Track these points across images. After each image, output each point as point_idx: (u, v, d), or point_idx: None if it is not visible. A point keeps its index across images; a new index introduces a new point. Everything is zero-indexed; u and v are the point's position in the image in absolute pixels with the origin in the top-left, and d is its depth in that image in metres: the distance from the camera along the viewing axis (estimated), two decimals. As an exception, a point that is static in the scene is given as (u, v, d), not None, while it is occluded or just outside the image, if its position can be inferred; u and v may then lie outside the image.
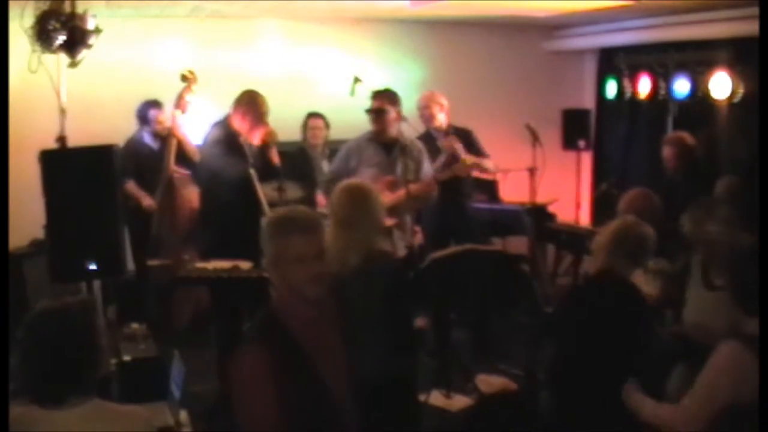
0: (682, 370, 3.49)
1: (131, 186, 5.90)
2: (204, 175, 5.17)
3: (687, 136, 5.57)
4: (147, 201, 5.88)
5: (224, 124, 5.07)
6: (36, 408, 2.21)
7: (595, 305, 3.28)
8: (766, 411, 2.72)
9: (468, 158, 5.47)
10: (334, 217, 3.38)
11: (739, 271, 2.72)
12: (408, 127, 5.30)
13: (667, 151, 5.52)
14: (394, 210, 4.80)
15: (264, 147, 5.05)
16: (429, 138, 5.67)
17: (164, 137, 5.89)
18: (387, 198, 4.63)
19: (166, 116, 5.94)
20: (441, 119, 5.74)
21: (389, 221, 4.53)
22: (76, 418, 2.20)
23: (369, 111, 5.11)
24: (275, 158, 5.05)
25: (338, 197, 3.40)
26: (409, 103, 5.56)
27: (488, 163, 5.77)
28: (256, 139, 4.88)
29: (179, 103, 5.52)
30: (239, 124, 4.98)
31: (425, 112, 5.76)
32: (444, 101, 5.76)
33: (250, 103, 5.00)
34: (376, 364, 2.98)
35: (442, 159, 5.55)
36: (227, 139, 4.95)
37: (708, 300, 3.44)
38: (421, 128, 5.76)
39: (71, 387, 2.23)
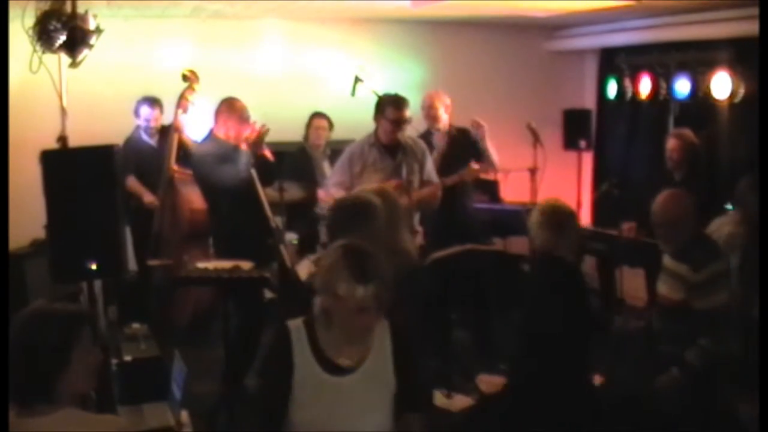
0: None
1: (132, 182, 5.90)
2: (203, 188, 5.15)
3: (691, 133, 5.57)
4: (148, 197, 5.87)
5: (211, 137, 5.03)
6: (13, 415, 2.18)
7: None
8: (767, 411, 2.72)
9: (475, 164, 5.56)
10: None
11: None
12: (409, 127, 5.29)
13: (671, 143, 5.48)
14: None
15: (254, 148, 4.92)
16: (430, 136, 5.68)
17: (163, 135, 5.90)
18: None
19: (156, 114, 5.97)
20: (445, 119, 5.75)
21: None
22: (47, 425, 2.17)
23: (394, 121, 4.99)
24: (268, 155, 5.03)
25: None
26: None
27: (494, 159, 5.79)
28: (244, 143, 4.85)
29: (181, 102, 5.53)
30: (224, 132, 4.96)
31: (431, 111, 5.76)
32: (448, 101, 5.78)
33: (228, 109, 4.97)
34: None
35: (435, 156, 5.57)
36: (218, 150, 4.92)
37: None
38: (420, 127, 5.76)
39: (36, 394, 2.19)
